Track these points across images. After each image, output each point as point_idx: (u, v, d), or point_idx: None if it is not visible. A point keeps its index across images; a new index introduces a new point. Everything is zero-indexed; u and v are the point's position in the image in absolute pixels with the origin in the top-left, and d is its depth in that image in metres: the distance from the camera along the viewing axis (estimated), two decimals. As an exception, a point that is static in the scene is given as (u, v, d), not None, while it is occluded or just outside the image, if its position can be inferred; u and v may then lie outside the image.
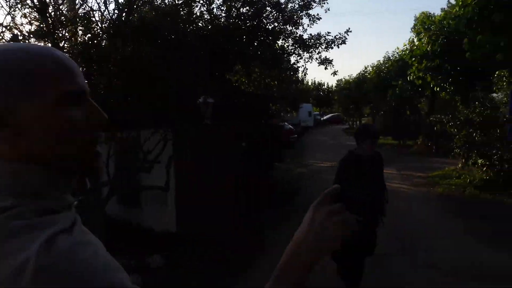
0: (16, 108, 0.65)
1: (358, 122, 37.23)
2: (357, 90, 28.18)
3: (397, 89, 17.21)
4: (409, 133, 19.48)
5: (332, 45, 7.55)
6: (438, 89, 11.33)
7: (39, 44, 0.63)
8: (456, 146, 9.02)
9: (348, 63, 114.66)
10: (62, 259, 0.57)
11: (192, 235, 5.07)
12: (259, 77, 8.23)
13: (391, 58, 21.43)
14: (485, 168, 8.39)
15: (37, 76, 0.65)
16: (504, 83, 8.56)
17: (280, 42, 7.48)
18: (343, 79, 35.80)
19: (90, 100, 0.72)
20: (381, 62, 21.95)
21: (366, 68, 27.84)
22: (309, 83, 42.07)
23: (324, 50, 7.42)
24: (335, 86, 55.67)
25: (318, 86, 47.30)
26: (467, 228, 6.00)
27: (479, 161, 8.40)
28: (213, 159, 5.76)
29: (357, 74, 29.71)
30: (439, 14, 11.11)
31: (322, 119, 43.90)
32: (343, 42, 7.59)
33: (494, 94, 10.30)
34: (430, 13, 11.45)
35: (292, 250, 0.78)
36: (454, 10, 6.86)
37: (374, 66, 22.27)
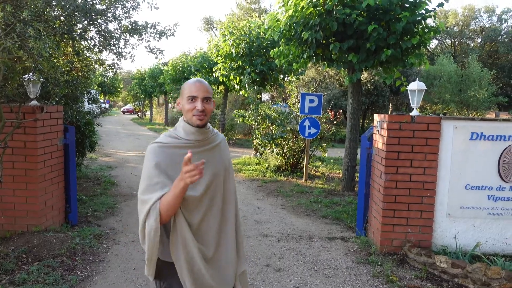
0: (181, 100, 1.96)
1: (148, 112, 37.28)
2: (151, 80, 28.32)
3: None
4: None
5: (163, 36, 7.73)
6: (239, 87, 12.88)
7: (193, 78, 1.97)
8: (256, 137, 10.60)
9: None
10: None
11: None
12: (82, 60, 7.65)
13: (187, 54, 22.65)
14: (278, 156, 10.24)
15: (183, 90, 1.93)
16: (293, 87, 10.63)
17: (111, 26, 7.16)
18: (136, 69, 35.26)
19: (198, 98, 1.89)
20: (178, 57, 22.84)
21: (160, 61, 28.33)
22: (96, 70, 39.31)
23: (155, 40, 7.52)
24: (115, 74, 53.65)
25: (104, 72, 44.62)
26: (277, 203, 7.35)
27: (275, 150, 10.18)
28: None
29: (151, 66, 29.89)
30: (244, 22, 12.74)
31: (121, 110, 43.40)
32: (172, 34, 7.88)
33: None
34: (233, 18, 12.91)
35: (175, 183, 1.73)
36: (268, 20, 8.16)
37: (171, 59, 22.97)
